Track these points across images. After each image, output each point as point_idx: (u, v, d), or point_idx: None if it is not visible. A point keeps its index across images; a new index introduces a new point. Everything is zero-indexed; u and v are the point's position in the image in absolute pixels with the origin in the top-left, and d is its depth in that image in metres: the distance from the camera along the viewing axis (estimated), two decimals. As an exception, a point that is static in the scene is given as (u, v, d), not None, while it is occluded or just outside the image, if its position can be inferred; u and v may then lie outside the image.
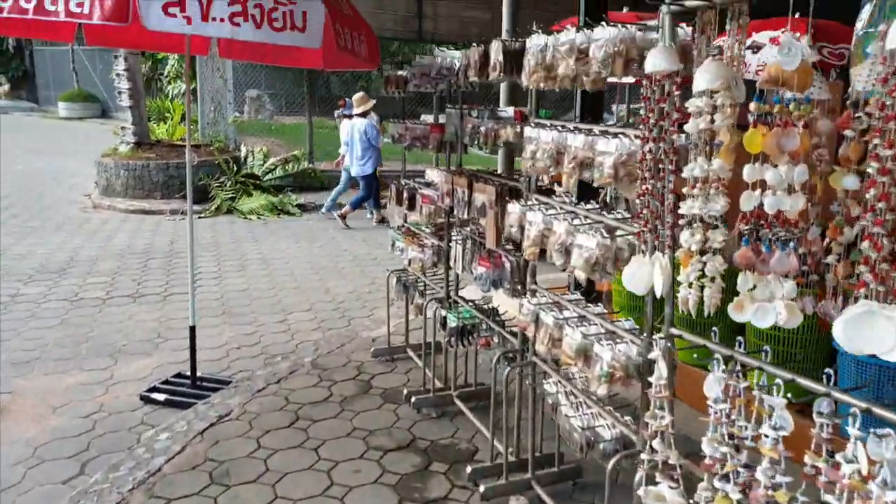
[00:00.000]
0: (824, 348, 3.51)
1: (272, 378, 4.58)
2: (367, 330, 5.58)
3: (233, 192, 10.99)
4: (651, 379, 1.98)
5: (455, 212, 3.53)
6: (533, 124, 2.60)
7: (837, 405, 1.56)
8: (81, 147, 16.78)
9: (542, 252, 2.62)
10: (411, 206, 4.21)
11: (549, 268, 2.72)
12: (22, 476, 3.51)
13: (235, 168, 11.53)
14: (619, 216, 2.35)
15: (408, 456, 3.61)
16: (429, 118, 4.29)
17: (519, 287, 3.07)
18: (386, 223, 9.86)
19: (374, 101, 9.41)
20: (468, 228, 3.67)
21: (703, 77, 1.65)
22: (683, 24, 2.02)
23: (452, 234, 3.77)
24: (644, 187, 1.89)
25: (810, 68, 1.48)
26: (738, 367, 1.89)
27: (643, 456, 1.98)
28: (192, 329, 4.56)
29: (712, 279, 1.78)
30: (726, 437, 1.74)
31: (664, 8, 1.86)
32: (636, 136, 2.07)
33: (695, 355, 2.23)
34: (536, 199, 2.72)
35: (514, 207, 2.72)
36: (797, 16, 1.69)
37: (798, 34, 1.56)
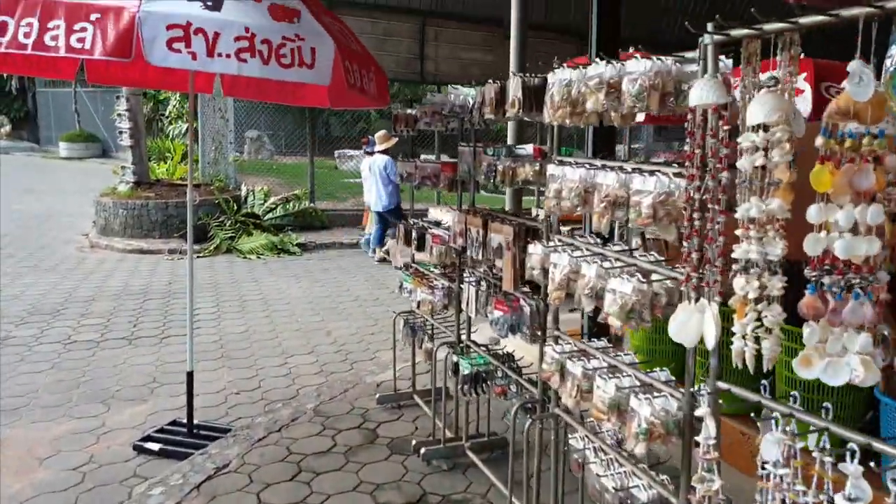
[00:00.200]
0: (862, 393, 3.32)
1: (273, 426, 4.36)
2: (371, 374, 5.37)
3: (232, 231, 10.87)
4: (698, 438, 1.80)
5: (469, 253, 3.37)
6: (556, 162, 2.46)
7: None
8: (81, 186, 16.71)
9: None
10: (420, 247, 4.06)
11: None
12: (4, 535, 3.28)
13: (235, 207, 11.43)
14: (651, 258, 2.19)
15: (418, 513, 3.40)
16: (430, 157, 4.20)
17: (538, 332, 2.90)
18: (387, 261, 9.74)
19: (396, 139, 9.39)
20: (481, 269, 3.51)
21: (759, 110, 1.51)
22: (722, 56, 1.90)
23: (464, 275, 3.61)
24: (691, 229, 1.74)
25: (884, 99, 1.35)
26: (794, 427, 1.72)
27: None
28: (190, 375, 4.35)
29: (768, 330, 1.62)
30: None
31: (706, 38, 1.74)
32: (675, 175, 1.93)
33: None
34: (560, 240, 2.57)
35: (536, 248, 2.57)
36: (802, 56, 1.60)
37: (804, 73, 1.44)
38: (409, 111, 4.15)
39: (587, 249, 2.39)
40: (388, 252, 9.95)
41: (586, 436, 2.57)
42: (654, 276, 2.10)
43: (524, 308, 2.92)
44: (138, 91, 12.14)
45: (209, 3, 3.07)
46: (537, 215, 3.66)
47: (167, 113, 18.93)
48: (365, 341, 6.45)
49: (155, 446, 4.15)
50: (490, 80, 2.99)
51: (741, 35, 1.69)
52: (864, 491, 1.43)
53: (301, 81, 3.51)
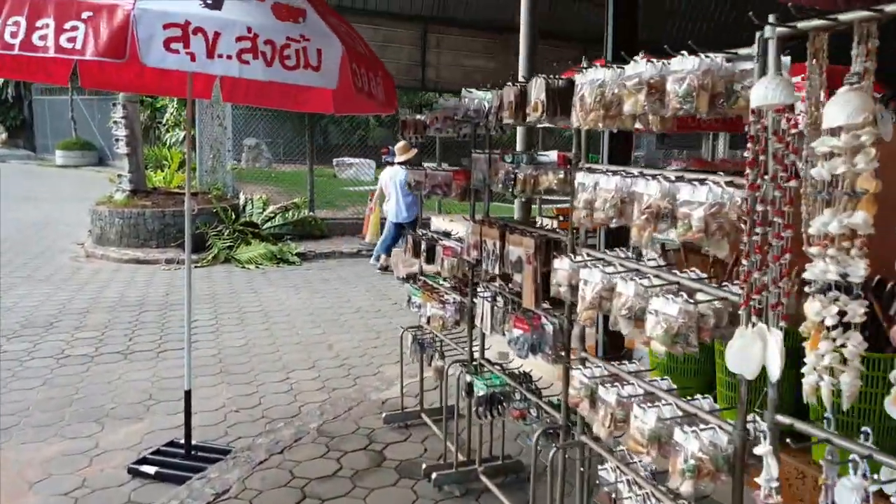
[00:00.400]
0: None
1: (275, 447, 4.15)
2: (376, 391, 5.16)
3: (230, 240, 10.66)
4: (759, 480, 1.60)
5: (484, 266, 3.18)
6: (586, 169, 2.27)
7: None
8: (76, 195, 16.50)
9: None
10: (430, 258, 3.86)
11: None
12: (-12, 570, 3.06)
13: (234, 216, 11.23)
14: (693, 274, 2.00)
15: (430, 543, 3.19)
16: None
17: (562, 353, 2.70)
18: (389, 271, 9.57)
19: (416, 150, 9.24)
20: (496, 284, 3.32)
21: (840, 110, 1.33)
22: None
23: (478, 289, 3.41)
24: (752, 245, 1.55)
25: None
26: (867, 467, 1.52)
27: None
28: (188, 394, 4.14)
29: (844, 360, 1.43)
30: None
31: (768, 31, 1.55)
32: (727, 183, 1.74)
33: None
34: (589, 255, 2.38)
35: (562, 263, 2.38)
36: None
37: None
38: (418, 117, 3.95)
39: (620, 265, 2.20)
40: (385, 267, 9.81)
41: (618, 467, 2.37)
42: (698, 296, 1.91)
43: (546, 327, 2.73)
44: (135, 98, 11.96)
45: (209, 2, 2.88)
46: (543, 225, 3.48)
47: (164, 121, 18.77)
48: (368, 355, 6.24)
49: (151, 469, 3.94)
50: (509, 83, 2.80)
51: (809, 27, 1.50)
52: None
53: (306, 84, 3.31)
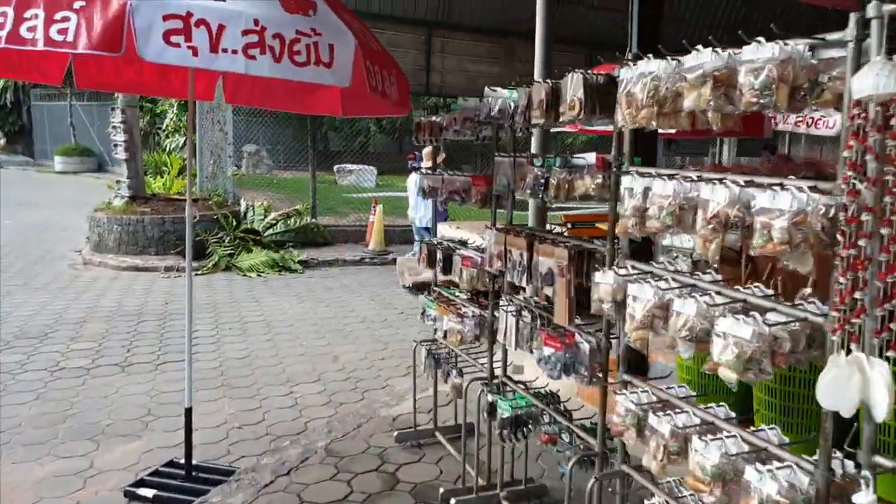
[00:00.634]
0: None
1: (281, 468, 3.91)
2: (386, 406, 4.92)
3: (231, 247, 10.44)
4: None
5: (510, 278, 2.94)
6: (635, 173, 2.05)
7: None
8: (75, 201, 16.28)
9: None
10: (446, 269, 3.63)
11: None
12: None
13: (234, 223, 11.01)
14: (760, 293, 1.77)
15: (451, 578, 2.95)
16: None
17: (599, 374, 2.47)
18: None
19: (444, 155, 9.03)
20: (520, 297, 3.08)
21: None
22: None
23: (500, 302, 3.17)
24: (850, 260, 1.32)
25: None
26: None
27: None
28: (189, 411, 3.91)
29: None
30: None
31: (871, 10, 1.33)
32: (811, 189, 1.52)
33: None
34: (634, 267, 2.15)
35: (606, 277, 2.14)
36: None
37: None
38: (433, 119, 3.73)
39: (673, 279, 1.97)
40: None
41: (666, 502, 2.13)
42: (770, 315, 1.68)
43: (581, 345, 2.49)
44: (134, 103, 11.77)
45: (213, -9, 2.66)
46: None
47: (164, 126, 18.55)
48: (375, 367, 6.01)
49: (149, 492, 3.71)
50: (539, 80, 2.57)
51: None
52: None
53: (317, 82, 3.08)
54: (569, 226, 7.82)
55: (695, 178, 1.82)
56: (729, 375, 1.63)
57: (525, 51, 13.26)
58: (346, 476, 3.82)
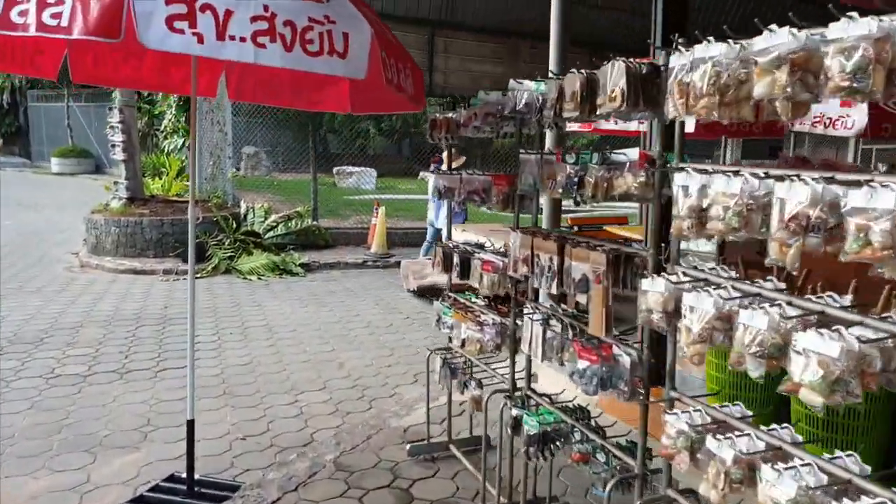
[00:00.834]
0: None
1: (288, 484, 3.71)
2: (396, 416, 4.72)
3: (231, 250, 10.23)
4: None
5: (536, 284, 2.75)
6: (690, 170, 1.85)
7: None
8: (72, 202, 16.07)
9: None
10: (464, 274, 3.43)
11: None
12: None
13: (235, 225, 10.81)
14: (843, 304, 1.57)
15: None
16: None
17: (641, 390, 2.27)
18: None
19: (464, 158, 8.84)
20: (548, 304, 2.89)
21: None
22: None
23: (525, 309, 2.98)
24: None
25: None
26: None
27: None
28: (191, 423, 3.70)
29: None
30: None
31: None
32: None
33: None
34: (686, 274, 1.95)
35: (656, 284, 1.95)
36: None
37: None
38: (450, 115, 3.53)
39: (733, 287, 1.77)
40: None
41: (723, 533, 1.93)
42: (854, 330, 1.48)
43: (620, 358, 2.30)
44: (132, 102, 11.57)
45: (219, -25, 2.46)
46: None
47: (162, 127, 18.32)
48: (382, 374, 5.81)
49: (148, 510, 3.51)
50: (573, 70, 2.38)
51: None
52: None
53: (330, 74, 2.88)
54: (575, 228, 7.60)
55: (762, 175, 1.62)
56: (813, 399, 1.44)
57: (529, 51, 13.11)
58: (357, 492, 3.62)
